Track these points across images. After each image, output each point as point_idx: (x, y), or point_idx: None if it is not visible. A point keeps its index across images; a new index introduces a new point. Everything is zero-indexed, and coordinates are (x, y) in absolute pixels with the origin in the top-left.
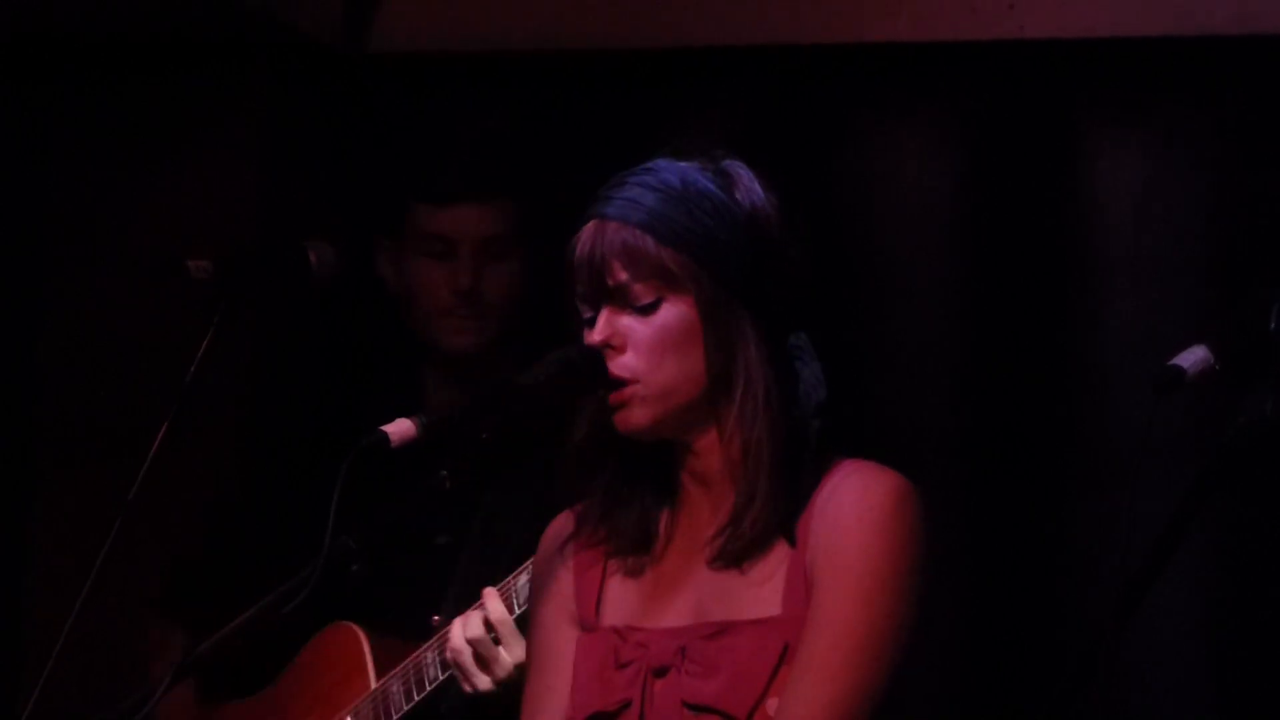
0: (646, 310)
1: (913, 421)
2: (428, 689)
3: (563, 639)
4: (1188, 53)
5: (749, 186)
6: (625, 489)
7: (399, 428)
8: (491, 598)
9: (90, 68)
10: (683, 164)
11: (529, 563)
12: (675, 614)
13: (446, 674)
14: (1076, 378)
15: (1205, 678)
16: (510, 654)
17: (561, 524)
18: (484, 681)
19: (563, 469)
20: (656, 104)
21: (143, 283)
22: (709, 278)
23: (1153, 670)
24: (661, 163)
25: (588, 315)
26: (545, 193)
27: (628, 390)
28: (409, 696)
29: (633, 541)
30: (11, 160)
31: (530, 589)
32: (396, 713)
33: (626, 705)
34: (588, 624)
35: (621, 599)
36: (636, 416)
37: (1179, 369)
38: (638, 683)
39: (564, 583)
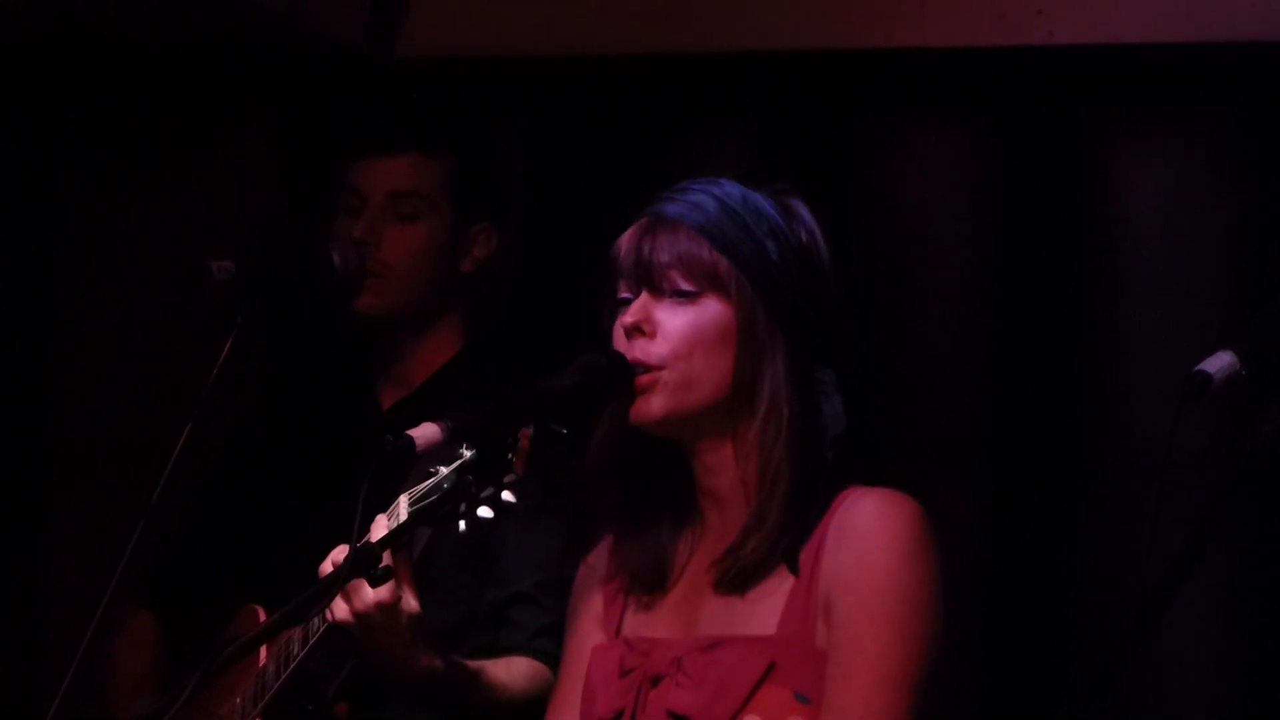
0: (684, 298)
1: (934, 432)
2: (291, 665)
3: (587, 654)
4: (1216, 60)
5: (807, 222)
6: (640, 511)
7: (424, 432)
8: (379, 525)
9: (114, 75)
10: (747, 189)
11: (412, 491)
12: (678, 626)
13: (305, 649)
14: (1100, 390)
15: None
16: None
17: (602, 548)
18: (341, 610)
19: (578, 480)
20: (682, 109)
21: (166, 288)
22: (754, 290)
23: (1173, 678)
24: (727, 181)
25: (624, 296)
26: (476, 155)
27: (649, 376)
28: (277, 674)
29: (646, 582)
30: (32, 169)
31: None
32: (268, 692)
33: (620, 714)
34: (610, 636)
35: (640, 613)
36: (652, 404)
37: (1205, 374)
38: (633, 691)
39: (596, 600)
